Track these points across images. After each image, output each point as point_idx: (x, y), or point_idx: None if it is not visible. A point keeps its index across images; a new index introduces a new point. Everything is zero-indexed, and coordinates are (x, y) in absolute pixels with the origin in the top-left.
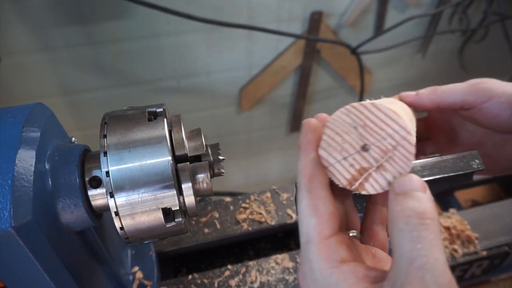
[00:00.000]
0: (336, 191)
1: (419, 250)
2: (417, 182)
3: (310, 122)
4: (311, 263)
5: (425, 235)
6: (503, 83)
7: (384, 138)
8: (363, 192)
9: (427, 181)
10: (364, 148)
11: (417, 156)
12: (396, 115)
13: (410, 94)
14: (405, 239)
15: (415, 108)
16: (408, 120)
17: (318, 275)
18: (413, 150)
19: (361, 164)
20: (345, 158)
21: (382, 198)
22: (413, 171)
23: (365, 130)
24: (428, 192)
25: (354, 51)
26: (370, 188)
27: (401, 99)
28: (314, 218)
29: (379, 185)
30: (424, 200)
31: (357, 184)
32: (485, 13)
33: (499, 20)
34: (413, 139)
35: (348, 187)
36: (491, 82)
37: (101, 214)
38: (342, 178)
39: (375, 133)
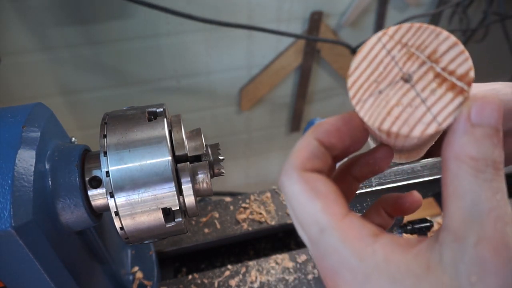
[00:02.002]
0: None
1: (499, 201)
2: (499, 111)
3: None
4: (340, 252)
5: (502, 186)
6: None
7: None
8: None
9: (427, 181)
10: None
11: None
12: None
13: None
14: (480, 186)
15: None
16: None
17: (356, 261)
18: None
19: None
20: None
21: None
22: (413, 171)
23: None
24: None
25: (354, 51)
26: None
27: None
28: (318, 201)
29: (447, 112)
30: (500, 143)
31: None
32: (485, 13)
33: (499, 20)
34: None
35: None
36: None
37: (101, 214)
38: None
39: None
